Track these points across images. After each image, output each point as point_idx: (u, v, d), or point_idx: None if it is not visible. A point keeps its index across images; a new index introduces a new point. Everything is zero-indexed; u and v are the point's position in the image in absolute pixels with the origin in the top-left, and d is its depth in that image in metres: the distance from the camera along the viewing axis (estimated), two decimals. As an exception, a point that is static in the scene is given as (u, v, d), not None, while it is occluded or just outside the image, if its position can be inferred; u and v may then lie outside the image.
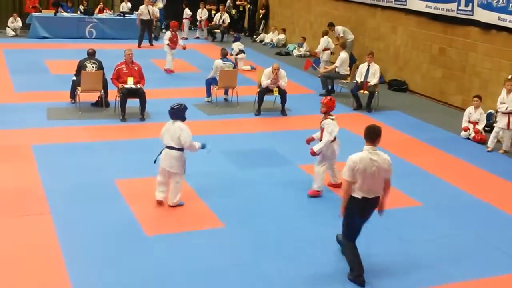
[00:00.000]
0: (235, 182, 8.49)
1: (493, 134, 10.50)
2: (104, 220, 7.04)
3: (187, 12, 22.05)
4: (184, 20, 21.99)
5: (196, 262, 6.21)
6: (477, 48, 12.82)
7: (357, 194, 5.82)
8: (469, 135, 11.10)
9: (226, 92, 13.12)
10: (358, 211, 5.90)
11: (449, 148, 10.52)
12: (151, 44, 19.14)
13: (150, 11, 19.01)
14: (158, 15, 21.42)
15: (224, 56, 12.81)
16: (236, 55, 16.19)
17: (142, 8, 19.06)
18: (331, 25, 16.34)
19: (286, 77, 12.19)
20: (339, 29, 16.50)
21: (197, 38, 22.18)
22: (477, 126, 11.01)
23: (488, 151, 10.42)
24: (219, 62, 12.65)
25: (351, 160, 5.83)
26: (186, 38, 21.38)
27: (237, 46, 16.47)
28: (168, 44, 15.44)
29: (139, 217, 7.14)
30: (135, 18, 21.22)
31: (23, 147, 9.34)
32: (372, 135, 5.99)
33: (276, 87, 12.07)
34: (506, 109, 10.18)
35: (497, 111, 10.52)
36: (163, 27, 22.29)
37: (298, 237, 6.90)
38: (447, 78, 13.76)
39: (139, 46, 18.68)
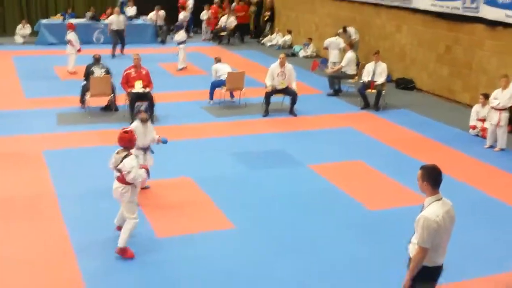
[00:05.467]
0: (245, 183, 8.55)
1: (489, 131, 10.52)
2: (115, 224, 7.10)
3: (182, 14, 21.87)
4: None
5: (207, 263, 6.26)
6: (483, 45, 12.82)
7: (431, 263, 4.56)
8: (478, 132, 11.11)
9: (231, 95, 13.21)
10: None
11: (458, 145, 10.53)
12: (121, 52, 18.46)
13: (121, 20, 18.57)
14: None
15: (218, 61, 13.19)
16: (178, 44, 16.44)
17: (112, 17, 18.67)
18: (345, 30, 16.33)
19: (294, 74, 12.26)
20: (352, 31, 16.53)
21: (204, 40, 22.30)
22: (484, 124, 11.00)
23: (486, 148, 10.42)
24: (217, 65, 13.08)
25: (432, 221, 4.37)
26: (184, 42, 21.38)
27: (178, 36, 16.61)
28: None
29: (150, 219, 7.21)
30: (141, 23, 21.36)
31: (34, 152, 9.44)
32: (441, 179, 4.53)
33: (284, 83, 12.10)
34: (498, 104, 10.21)
35: (491, 107, 10.53)
36: (191, 33, 22.54)
37: (309, 237, 6.94)
38: (454, 76, 13.76)
39: (112, 56, 18.08)
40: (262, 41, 22.52)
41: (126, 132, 6.44)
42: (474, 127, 11.19)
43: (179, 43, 16.38)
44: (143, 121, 7.74)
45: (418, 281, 4.56)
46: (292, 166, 9.28)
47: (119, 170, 6.28)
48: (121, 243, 6.30)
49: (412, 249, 4.58)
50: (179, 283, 5.88)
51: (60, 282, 5.83)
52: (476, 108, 11.22)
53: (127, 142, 6.38)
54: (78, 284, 5.78)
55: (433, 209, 4.42)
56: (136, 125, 7.68)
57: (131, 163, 6.21)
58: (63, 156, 9.37)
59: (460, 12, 13.21)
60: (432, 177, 4.48)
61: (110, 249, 6.47)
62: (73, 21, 20.47)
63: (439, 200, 4.48)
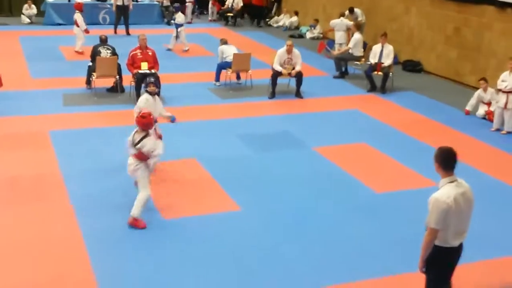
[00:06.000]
0: (250, 165, 8.55)
1: (496, 114, 10.46)
2: (121, 204, 7.14)
3: None
4: (187, 4, 21.85)
5: (213, 245, 6.29)
6: (492, 27, 12.68)
7: (444, 243, 4.56)
8: (485, 115, 11.05)
9: (238, 77, 13.17)
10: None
11: (464, 128, 10.48)
12: (127, 32, 18.48)
13: None
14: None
15: (225, 43, 13.08)
16: (179, 26, 16.21)
17: None
18: (351, 11, 16.22)
19: (300, 58, 12.19)
20: (359, 12, 16.40)
21: (210, 21, 22.25)
22: (490, 108, 10.94)
23: (492, 131, 10.38)
24: (223, 46, 12.95)
25: (441, 202, 4.40)
26: (190, 22, 21.36)
27: (179, 17, 16.41)
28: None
29: (156, 201, 7.23)
30: (148, 3, 21.25)
31: (40, 133, 9.47)
32: (454, 161, 4.53)
33: (291, 67, 12.06)
34: (506, 87, 10.14)
35: (498, 90, 10.44)
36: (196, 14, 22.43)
37: (315, 219, 6.95)
38: (462, 58, 13.63)
39: (115, 32, 18.22)
40: (269, 22, 22.37)
41: (143, 117, 6.69)
42: (467, 112, 11.21)
43: (180, 25, 16.23)
44: (152, 94, 7.89)
45: (431, 261, 4.60)
46: (297, 148, 9.27)
47: (137, 148, 6.63)
48: (134, 212, 6.61)
49: None
50: (185, 264, 5.91)
51: (67, 262, 5.88)
52: (479, 92, 11.15)
53: (144, 125, 6.68)
54: (85, 265, 5.82)
55: (445, 191, 4.44)
56: (146, 97, 7.84)
57: (151, 143, 6.63)
58: (69, 137, 9.39)
59: (469, -7, 13.07)
60: (443, 159, 4.50)
61: (116, 229, 6.52)
62: (80, 1, 20.45)
63: (452, 182, 4.50)
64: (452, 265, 4.71)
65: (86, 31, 15.37)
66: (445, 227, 4.44)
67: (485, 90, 10.99)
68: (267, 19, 22.65)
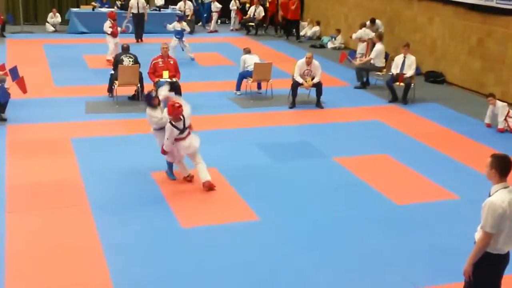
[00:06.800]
0: (270, 175, 8.52)
1: None
2: (140, 212, 7.17)
3: (216, 5, 22.10)
4: (213, 14, 22.07)
5: (231, 255, 6.27)
6: (517, 38, 12.53)
7: (493, 250, 4.55)
8: (506, 127, 10.90)
9: (259, 87, 13.17)
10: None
11: (487, 140, 10.33)
12: (140, 39, 18.80)
13: (140, 4, 18.67)
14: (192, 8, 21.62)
15: (248, 52, 13.08)
16: (183, 37, 16.22)
17: (132, 1, 18.79)
18: (373, 21, 16.19)
19: (320, 69, 12.15)
20: (379, 23, 16.37)
21: (232, 30, 22.38)
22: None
23: None
24: (245, 56, 12.95)
25: (497, 206, 4.41)
26: (216, 31, 21.50)
27: (186, 26, 16.51)
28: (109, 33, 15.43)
29: (174, 209, 7.25)
30: (170, 12, 21.44)
31: (63, 140, 9.57)
32: (510, 168, 4.56)
33: (310, 79, 12.05)
34: None
35: None
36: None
37: (334, 230, 6.89)
38: (486, 70, 13.47)
39: (136, 41, 18.51)
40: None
41: (174, 106, 7.60)
42: (489, 125, 11.07)
43: (182, 34, 16.27)
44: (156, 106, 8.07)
45: (478, 267, 4.56)
46: (317, 159, 9.22)
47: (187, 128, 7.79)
48: (206, 177, 7.74)
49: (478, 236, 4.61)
50: (202, 273, 5.90)
51: (85, 268, 5.91)
52: (491, 108, 11.00)
53: (174, 115, 7.61)
54: (102, 271, 5.84)
55: (500, 195, 4.46)
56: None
57: (187, 112, 7.84)
58: (90, 144, 9.47)
59: (493, 4, 12.93)
60: (501, 165, 4.52)
61: (135, 237, 6.54)
62: (104, 10, 20.75)
63: (506, 187, 4.52)
64: (500, 272, 4.68)
65: (114, 35, 15.47)
66: (499, 232, 4.44)
67: (494, 105, 10.87)
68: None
